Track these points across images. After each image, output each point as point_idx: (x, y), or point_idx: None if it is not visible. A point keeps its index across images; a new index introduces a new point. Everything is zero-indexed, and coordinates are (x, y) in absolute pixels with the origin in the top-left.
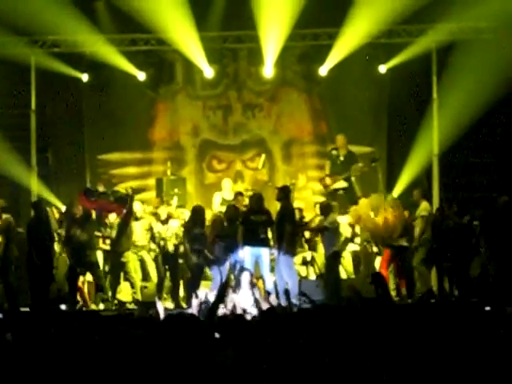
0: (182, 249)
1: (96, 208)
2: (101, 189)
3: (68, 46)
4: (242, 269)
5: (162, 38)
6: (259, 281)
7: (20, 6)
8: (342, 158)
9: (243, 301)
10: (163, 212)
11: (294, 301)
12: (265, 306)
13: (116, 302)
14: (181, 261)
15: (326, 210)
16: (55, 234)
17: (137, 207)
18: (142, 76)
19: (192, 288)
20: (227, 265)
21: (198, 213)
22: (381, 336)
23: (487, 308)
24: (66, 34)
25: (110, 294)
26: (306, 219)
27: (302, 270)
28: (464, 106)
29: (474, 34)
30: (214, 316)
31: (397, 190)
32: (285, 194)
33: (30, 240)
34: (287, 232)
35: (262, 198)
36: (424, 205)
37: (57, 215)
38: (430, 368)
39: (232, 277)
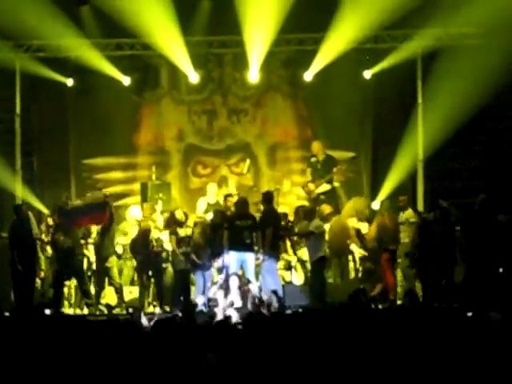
0: (164, 254)
1: (81, 225)
2: (89, 195)
3: (53, 51)
4: (230, 274)
5: (147, 43)
6: (247, 285)
7: (4, 11)
8: (321, 163)
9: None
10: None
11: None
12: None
13: (102, 307)
14: (164, 266)
15: (309, 214)
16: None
17: (136, 214)
18: (126, 81)
19: (178, 293)
20: (212, 270)
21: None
22: (364, 340)
23: (469, 314)
24: (51, 39)
25: (94, 298)
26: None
27: (287, 275)
28: (449, 111)
29: (459, 40)
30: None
31: (381, 195)
32: (265, 199)
33: (12, 243)
34: (268, 237)
35: (247, 203)
36: (410, 211)
37: (50, 222)
38: (411, 372)
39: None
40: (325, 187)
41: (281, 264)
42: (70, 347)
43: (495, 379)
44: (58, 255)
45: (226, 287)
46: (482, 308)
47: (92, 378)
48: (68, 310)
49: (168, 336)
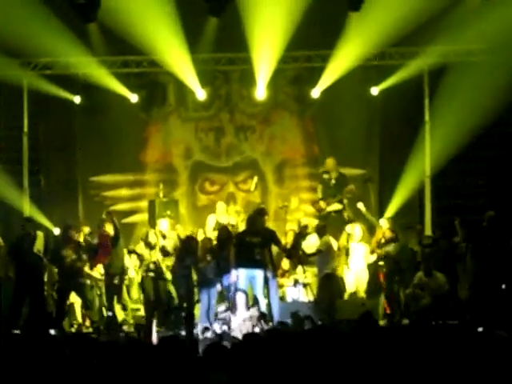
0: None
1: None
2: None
3: (60, 68)
4: (237, 290)
5: (155, 60)
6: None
7: (12, 28)
8: (333, 181)
9: (240, 322)
10: (153, 237)
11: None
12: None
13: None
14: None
15: (321, 231)
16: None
17: (164, 226)
18: (134, 98)
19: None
20: (218, 287)
21: (189, 243)
22: (370, 359)
23: (480, 329)
24: (59, 56)
25: (98, 316)
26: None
27: (294, 292)
28: (456, 127)
29: (465, 57)
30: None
31: (389, 212)
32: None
33: (17, 257)
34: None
35: (257, 220)
36: None
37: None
38: None
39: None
40: (336, 206)
41: (288, 281)
42: (76, 367)
43: None
44: (63, 272)
45: (233, 305)
46: (488, 325)
47: None
48: (71, 328)
49: (173, 354)
